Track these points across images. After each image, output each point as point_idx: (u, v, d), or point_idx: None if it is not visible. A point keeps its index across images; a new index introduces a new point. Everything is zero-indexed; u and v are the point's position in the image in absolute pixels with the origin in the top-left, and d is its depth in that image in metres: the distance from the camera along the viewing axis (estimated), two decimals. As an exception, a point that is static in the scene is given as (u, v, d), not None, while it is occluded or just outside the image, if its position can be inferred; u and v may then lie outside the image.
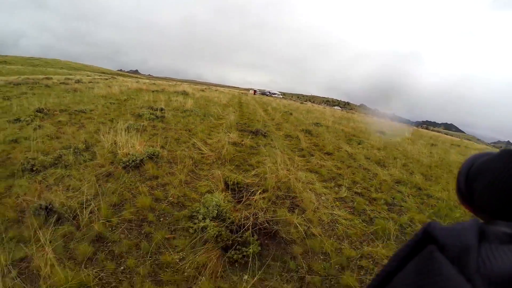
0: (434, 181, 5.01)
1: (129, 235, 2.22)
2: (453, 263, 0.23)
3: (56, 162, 3.67)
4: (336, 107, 68.00)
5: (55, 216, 2.35)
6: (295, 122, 9.63)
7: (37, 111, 7.11)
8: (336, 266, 2.13)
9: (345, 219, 2.83)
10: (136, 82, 25.46)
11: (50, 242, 1.92)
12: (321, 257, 2.21)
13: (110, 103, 9.65)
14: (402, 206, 3.50)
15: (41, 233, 1.97)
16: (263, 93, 54.77)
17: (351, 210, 3.15)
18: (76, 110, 7.57)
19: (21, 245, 1.96)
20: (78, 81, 21.00)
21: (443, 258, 0.24)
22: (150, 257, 2.00)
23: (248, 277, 1.89)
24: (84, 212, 2.36)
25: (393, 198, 3.72)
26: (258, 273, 1.91)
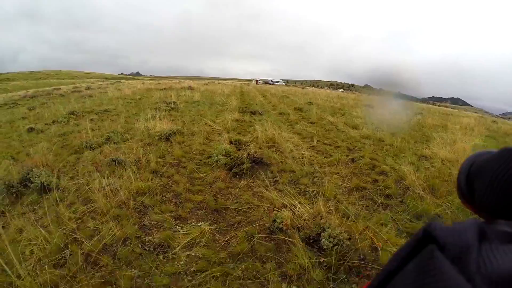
0: (398, 136, 6.30)
1: (172, 168, 3.68)
2: (453, 263, 0.23)
3: (106, 141, 5.15)
4: (339, 90, 68.23)
5: (122, 164, 3.82)
6: (290, 103, 10.98)
7: (69, 113, 8.69)
8: (299, 176, 3.53)
9: (311, 156, 4.23)
10: (142, 83, 27.02)
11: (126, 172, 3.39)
12: (290, 172, 3.62)
13: (127, 102, 11.17)
14: (360, 150, 4.85)
15: (118, 169, 3.44)
16: (266, 82, 55.70)
17: (318, 152, 4.54)
18: (101, 110, 9.12)
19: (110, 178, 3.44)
20: (88, 88, 22.72)
21: (443, 258, 0.24)
22: (187, 175, 3.46)
23: (243, 181, 3.32)
24: (142, 160, 3.83)
25: (355, 146, 5.08)
26: (249, 179, 3.34)
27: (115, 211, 2.54)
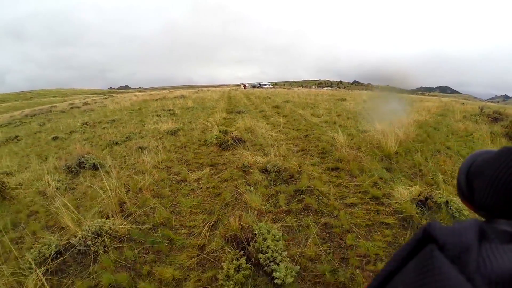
0: (353, 120, 8.09)
1: (181, 149, 5.41)
2: (453, 263, 0.24)
3: (127, 139, 6.85)
4: (326, 88, 70.53)
5: (145, 149, 5.52)
6: (270, 103, 12.81)
7: (83, 124, 10.36)
8: (264, 146, 5.28)
9: (276, 136, 6.01)
10: (135, 95, 28.67)
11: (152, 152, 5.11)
12: (259, 146, 5.37)
13: (130, 112, 12.85)
14: (314, 130, 6.63)
15: (144, 152, 5.15)
16: (254, 86, 57.51)
17: (282, 133, 6.33)
18: (110, 120, 10.78)
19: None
20: (85, 104, 24.22)
21: (443, 258, 0.24)
22: (192, 151, 5.21)
23: (228, 152, 5.07)
24: (159, 145, 5.55)
25: (312, 128, 6.86)
26: (231, 150, 5.09)
27: (151, 170, 4.26)
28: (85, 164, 4.92)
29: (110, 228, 2.50)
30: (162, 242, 2.44)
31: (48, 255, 2.24)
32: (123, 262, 2.25)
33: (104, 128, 9.37)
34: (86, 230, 2.41)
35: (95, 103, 23.57)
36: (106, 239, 2.40)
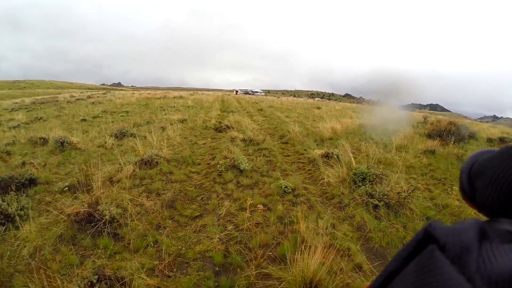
0: (317, 121, 10.84)
1: (190, 130, 8.00)
2: (453, 263, 0.24)
3: (147, 123, 9.38)
4: (316, 98, 73.86)
5: (166, 128, 8.05)
6: (256, 107, 15.59)
7: (102, 111, 12.79)
8: (245, 131, 7.91)
9: (255, 127, 8.68)
10: (132, 93, 30.91)
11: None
12: (242, 131, 8.01)
13: (138, 106, 15.28)
14: (283, 124, 9.31)
15: (164, 131, 7.71)
16: (246, 92, 59.96)
17: (259, 125, 9.01)
18: (124, 111, 13.21)
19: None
20: (89, 97, 26.19)
21: (443, 258, 0.24)
22: (198, 132, 7.81)
23: (222, 133, 7.69)
24: (174, 127, 8.11)
25: (282, 124, 9.54)
26: (224, 133, 7.72)
27: (175, 137, 6.82)
28: (125, 133, 7.44)
29: (160, 155, 5.07)
30: (189, 161, 5.05)
31: (133, 162, 4.78)
32: (171, 166, 4.83)
33: (122, 116, 11.79)
34: (149, 153, 4.96)
35: (98, 97, 25.57)
36: (161, 158, 4.97)
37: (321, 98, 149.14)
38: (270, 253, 2.47)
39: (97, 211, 2.81)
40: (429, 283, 0.23)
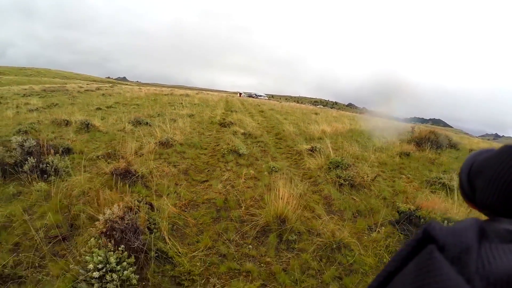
0: (311, 124, 11.87)
1: (198, 123, 9.06)
2: (452, 264, 0.24)
3: (158, 116, 10.43)
4: (319, 106, 74.92)
5: (176, 121, 9.10)
6: (258, 108, 16.67)
7: (115, 103, 13.86)
8: (246, 128, 8.95)
9: (254, 125, 9.72)
10: (139, 89, 31.99)
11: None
12: (243, 127, 9.06)
13: (148, 101, 16.33)
14: (280, 124, 10.35)
15: (175, 122, 8.76)
16: (250, 95, 61.03)
17: (259, 124, 10.06)
18: (135, 104, 14.28)
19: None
20: (98, 89, 27.02)
21: (443, 259, 0.24)
22: (204, 126, 8.87)
23: (226, 128, 8.74)
24: (184, 120, 9.16)
25: (278, 124, 10.58)
26: (227, 127, 8.76)
27: (185, 127, 7.86)
28: (141, 122, 8.49)
29: (174, 139, 6.11)
30: (197, 145, 6.09)
31: (154, 144, 5.81)
32: (184, 147, 5.86)
33: (133, 108, 12.85)
34: (166, 137, 6.01)
35: (106, 89, 26.44)
36: (175, 142, 6.02)
37: (324, 106, 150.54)
38: (256, 203, 3.50)
39: (131, 168, 3.84)
40: (428, 284, 0.23)
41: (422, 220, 3.27)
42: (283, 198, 3.14)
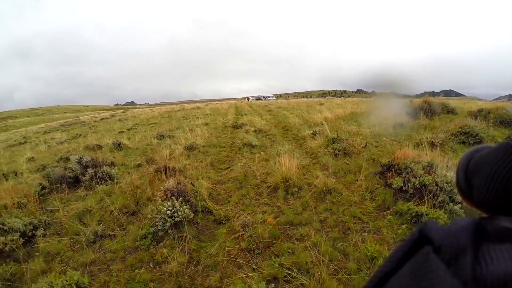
0: (315, 114, 12.83)
1: (212, 129, 10.29)
2: (449, 265, 0.24)
3: (177, 129, 11.77)
4: (328, 97, 74.67)
5: (194, 131, 10.38)
6: (266, 108, 17.79)
7: (134, 125, 15.39)
8: (256, 127, 10.07)
9: (264, 123, 10.84)
10: (151, 109, 33.82)
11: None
12: (253, 128, 10.18)
13: (163, 118, 17.82)
14: (286, 119, 11.39)
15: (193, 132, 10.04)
16: (258, 98, 61.79)
17: (267, 122, 11.17)
18: (152, 123, 15.76)
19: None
20: (112, 116, 28.80)
21: (438, 261, 0.24)
22: (220, 130, 10.09)
23: (238, 129, 9.91)
24: (201, 129, 10.43)
25: (285, 119, 11.62)
26: (239, 128, 9.93)
27: (203, 134, 9.11)
28: (164, 136, 9.82)
29: (197, 143, 7.33)
30: (217, 145, 7.30)
31: (181, 149, 7.05)
32: (206, 148, 7.07)
33: (152, 126, 14.31)
34: (190, 142, 7.24)
35: (120, 115, 27.97)
36: (198, 145, 7.24)
37: (332, 96, 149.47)
38: (268, 175, 4.62)
39: (169, 166, 5.06)
40: (424, 287, 0.23)
41: (397, 166, 4.24)
42: (288, 167, 4.23)
